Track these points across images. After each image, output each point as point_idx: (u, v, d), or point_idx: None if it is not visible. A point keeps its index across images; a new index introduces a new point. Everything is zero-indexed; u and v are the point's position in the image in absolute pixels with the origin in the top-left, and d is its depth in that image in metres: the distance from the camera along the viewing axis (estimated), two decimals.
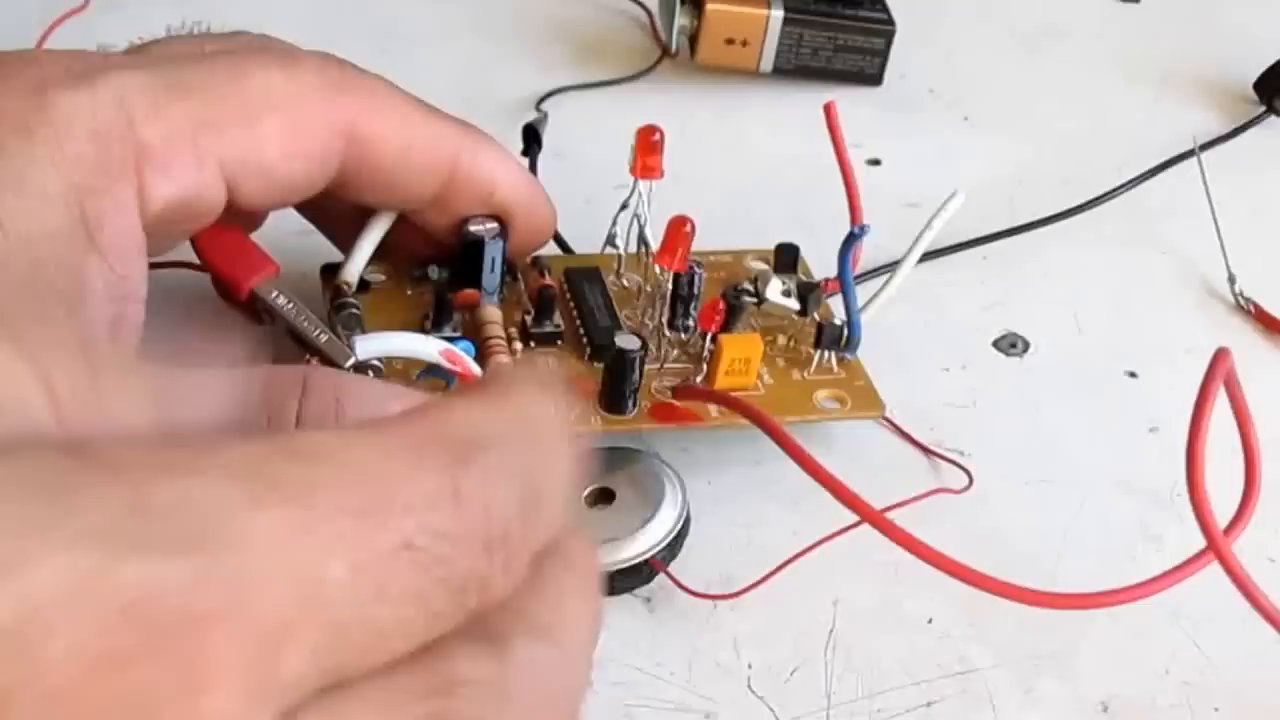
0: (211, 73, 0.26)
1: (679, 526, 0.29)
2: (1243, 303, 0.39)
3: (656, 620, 0.28)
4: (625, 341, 0.30)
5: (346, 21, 0.47)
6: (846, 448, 0.32)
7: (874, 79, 0.46)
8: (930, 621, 0.28)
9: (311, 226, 0.33)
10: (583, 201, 0.35)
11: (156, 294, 0.26)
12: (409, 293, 0.32)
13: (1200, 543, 0.28)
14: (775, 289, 0.33)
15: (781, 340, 0.33)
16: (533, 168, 0.39)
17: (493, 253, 0.31)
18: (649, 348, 0.30)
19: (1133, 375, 0.37)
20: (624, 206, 0.33)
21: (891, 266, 0.38)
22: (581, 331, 0.32)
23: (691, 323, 0.32)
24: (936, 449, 0.33)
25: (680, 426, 0.31)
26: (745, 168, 0.42)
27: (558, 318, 0.32)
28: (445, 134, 0.29)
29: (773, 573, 0.28)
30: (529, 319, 0.32)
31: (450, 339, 0.30)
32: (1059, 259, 0.40)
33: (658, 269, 0.32)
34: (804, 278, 0.35)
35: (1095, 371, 0.37)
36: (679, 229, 0.31)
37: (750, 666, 0.28)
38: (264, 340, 0.30)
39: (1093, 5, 0.53)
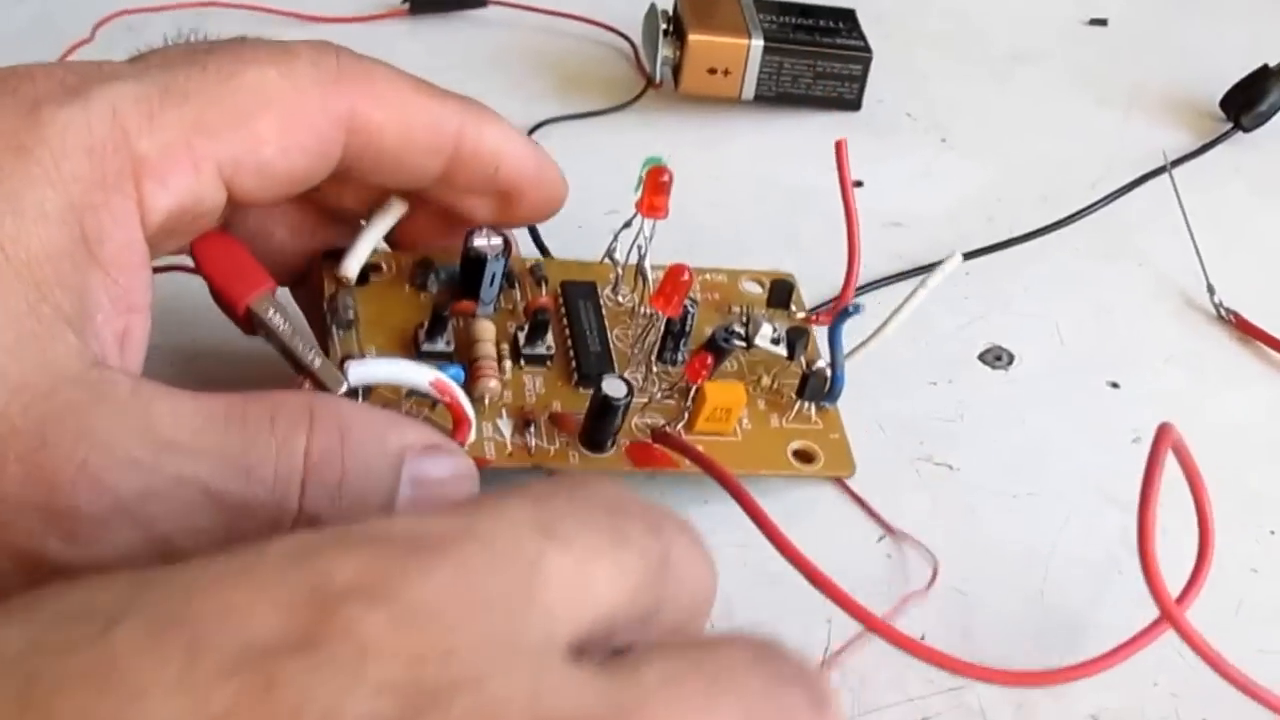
0: (205, 76, 0.26)
1: None
2: (1224, 313, 0.40)
3: None
4: (612, 388, 0.30)
5: None
6: (812, 496, 0.33)
7: (853, 104, 0.46)
8: (923, 637, 0.28)
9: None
10: (575, 228, 0.35)
11: (157, 295, 0.26)
12: (407, 289, 0.32)
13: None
14: (765, 336, 0.33)
15: (766, 380, 0.33)
16: None
17: (494, 269, 0.31)
18: (634, 392, 0.30)
19: (1115, 386, 0.38)
20: (627, 224, 0.33)
21: (875, 285, 0.39)
22: (572, 354, 0.32)
23: (681, 357, 0.33)
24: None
25: (656, 471, 0.31)
26: (731, 192, 0.43)
27: (550, 339, 0.32)
28: (446, 112, 0.29)
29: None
30: (521, 336, 0.32)
31: (441, 356, 0.30)
32: (1040, 273, 0.41)
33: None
34: (796, 310, 0.35)
35: (1079, 383, 0.38)
36: (677, 277, 0.31)
37: None
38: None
39: (1062, 29, 0.54)
